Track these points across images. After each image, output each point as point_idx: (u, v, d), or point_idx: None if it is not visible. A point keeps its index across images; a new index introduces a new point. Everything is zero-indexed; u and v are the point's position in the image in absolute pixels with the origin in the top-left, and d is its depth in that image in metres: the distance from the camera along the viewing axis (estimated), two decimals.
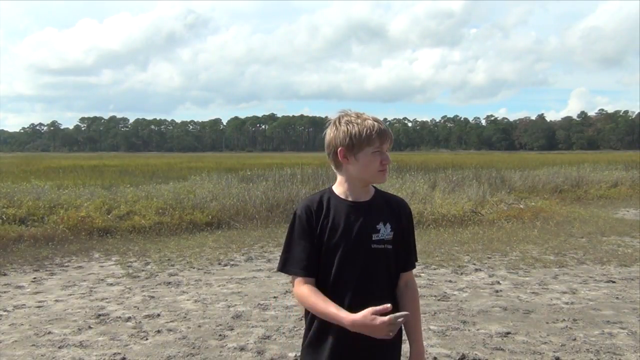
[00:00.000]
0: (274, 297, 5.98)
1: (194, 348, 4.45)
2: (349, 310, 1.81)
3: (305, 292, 1.90)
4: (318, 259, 1.91)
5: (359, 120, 1.90)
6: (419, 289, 2.09)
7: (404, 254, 1.98)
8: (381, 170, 1.93)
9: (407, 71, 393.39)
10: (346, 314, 1.80)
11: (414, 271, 2.06)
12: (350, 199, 1.95)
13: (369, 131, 1.88)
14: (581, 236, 9.99)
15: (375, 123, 1.90)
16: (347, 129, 1.90)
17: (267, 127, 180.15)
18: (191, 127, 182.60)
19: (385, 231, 1.91)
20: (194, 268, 7.51)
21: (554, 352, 4.36)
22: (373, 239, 1.90)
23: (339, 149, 1.91)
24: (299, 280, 1.92)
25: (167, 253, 8.53)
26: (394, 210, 1.98)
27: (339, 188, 1.98)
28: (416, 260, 2.06)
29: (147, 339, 4.66)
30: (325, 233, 1.91)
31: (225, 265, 7.73)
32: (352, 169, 1.92)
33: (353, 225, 1.90)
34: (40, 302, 5.83)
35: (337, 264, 1.89)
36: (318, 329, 1.92)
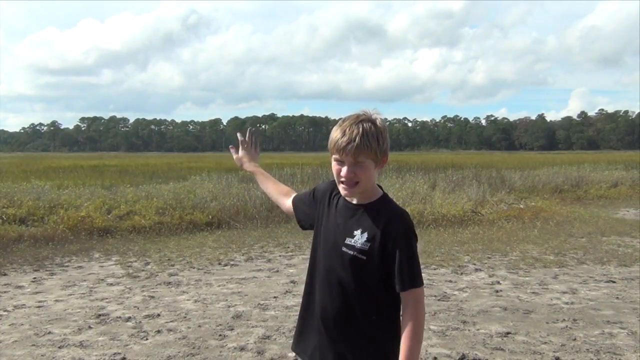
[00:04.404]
0: (274, 297, 5.98)
1: (194, 348, 4.45)
2: (319, 302, 1.93)
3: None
4: (305, 214, 2.12)
5: (338, 126, 1.86)
6: None
7: (394, 273, 1.82)
8: (340, 182, 1.87)
9: (406, 71, 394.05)
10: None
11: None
12: (347, 197, 1.93)
13: (331, 140, 1.86)
14: (581, 236, 9.98)
15: (339, 135, 1.82)
16: (332, 130, 1.92)
17: (267, 127, 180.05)
18: (191, 127, 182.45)
19: (359, 239, 1.84)
20: (194, 268, 7.51)
21: (554, 352, 4.36)
22: (345, 242, 1.87)
23: None
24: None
25: (167, 253, 8.53)
26: (381, 223, 1.84)
27: None
28: (413, 283, 1.82)
29: (147, 339, 4.66)
30: (318, 218, 2.01)
31: (226, 265, 7.73)
32: None
33: (335, 223, 1.93)
34: (40, 302, 5.83)
35: (318, 254, 1.97)
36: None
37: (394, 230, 1.82)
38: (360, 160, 1.81)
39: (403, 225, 1.84)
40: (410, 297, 1.82)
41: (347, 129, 1.81)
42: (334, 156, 1.86)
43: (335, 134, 1.84)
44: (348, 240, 1.86)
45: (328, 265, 1.91)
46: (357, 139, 1.78)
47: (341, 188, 1.88)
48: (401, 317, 1.85)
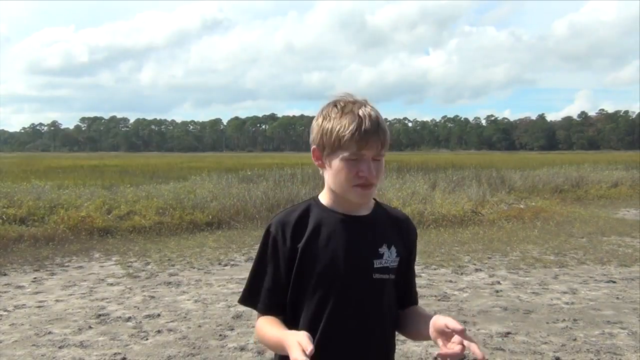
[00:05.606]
0: None
1: (194, 348, 4.45)
2: (345, 341, 1.43)
3: (259, 327, 1.48)
4: (286, 292, 1.46)
5: (340, 113, 1.38)
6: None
7: (407, 286, 1.56)
8: (357, 185, 1.39)
9: (406, 71, 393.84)
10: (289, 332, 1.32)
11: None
12: (341, 211, 1.46)
13: (342, 130, 1.35)
14: (581, 236, 9.98)
15: (356, 121, 1.35)
16: (322, 122, 1.41)
17: (267, 127, 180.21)
18: (191, 127, 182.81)
19: (390, 257, 1.45)
20: (194, 268, 7.51)
21: (554, 352, 4.36)
22: (375, 266, 1.43)
23: (312, 147, 1.46)
24: (261, 318, 1.48)
25: (167, 253, 8.53)
26: (401, 230, 1.52)
27: (325, 197, 1.50)
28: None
29: (147, 339, 4.66)
30: (307, 258, 1.43)
31: (226, 265, 7.73)
32: (327, 176, 1.45)
33: (348, 248, 1.43)
34: (40, 302, 5.83)
35: (332, 300, 1.42)
36: None
37: (413, 233, 1.57)
38: (383, 152, 1.40)
39: (414, 225, 1.60)
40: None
41: (360, 113, 1.36)
42: (344, 153, 1.37)
43: (343, 122, 1.36)
44: (377, 263, 1.44)
45: (357, 301, 1.44)
46: (380, 124, 1.37)
47: (357, 194, 1.40)
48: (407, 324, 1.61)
